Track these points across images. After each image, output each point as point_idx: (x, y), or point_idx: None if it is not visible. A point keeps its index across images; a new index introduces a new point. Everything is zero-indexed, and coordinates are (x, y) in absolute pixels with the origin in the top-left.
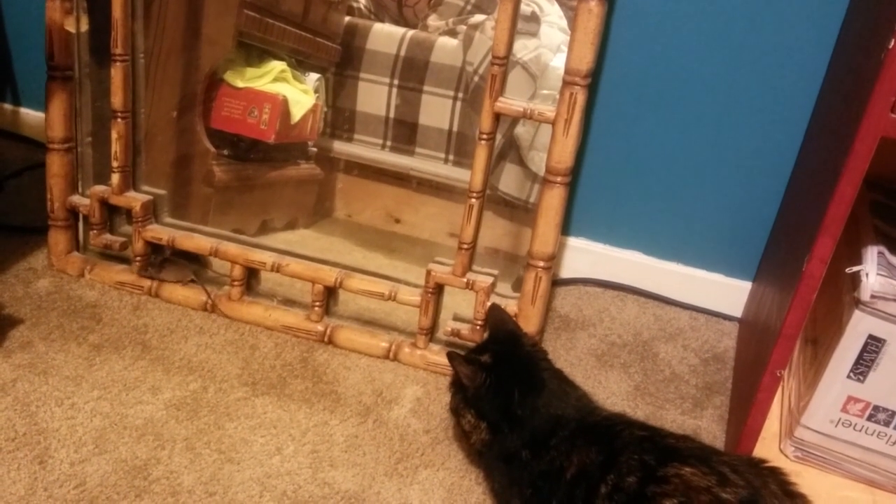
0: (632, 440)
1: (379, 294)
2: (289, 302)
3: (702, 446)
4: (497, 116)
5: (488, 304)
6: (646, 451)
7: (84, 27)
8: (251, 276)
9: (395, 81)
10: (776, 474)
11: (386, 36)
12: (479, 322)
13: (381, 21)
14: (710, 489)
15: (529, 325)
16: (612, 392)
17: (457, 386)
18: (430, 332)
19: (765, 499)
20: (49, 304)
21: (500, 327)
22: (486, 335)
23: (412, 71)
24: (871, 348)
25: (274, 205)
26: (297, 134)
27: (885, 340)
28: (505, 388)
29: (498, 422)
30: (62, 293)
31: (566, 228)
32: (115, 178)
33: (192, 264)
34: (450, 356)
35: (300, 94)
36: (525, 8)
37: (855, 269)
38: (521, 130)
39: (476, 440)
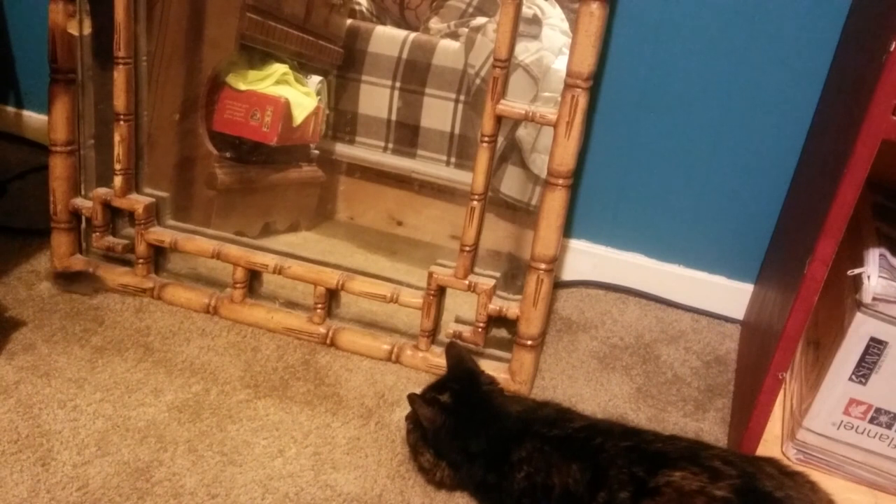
0: (618, 453)
1: (381, 296)
2: (291, 304)
3: (690, 444)
4: (499, 119)
5: (490, 306)
6: (634, 462)
7: (87, 30)
8: (253, 279)
9: (397, 84)
10: (772, 461)
11: (388, 39)
12: (482, 324)
13: (383, 24)
14: (704, 489)
15: (531, 328)
16: (613, 394)
17: (415, 422)
18: (433, 335)
19: (761, 481)
20: (52, 307)
21: (458, 365)
22: (445, 372)
23: (414, 73)
24: (873, 351)
25: (276, 207)
26: (299, 136)
27: (886, 343)
28: (464, 431)
29: (458, 462)
30: (65, 295)
31: (568, 231)
32: (118, 181)
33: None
34: (410, 398)
35: (302, 97)
36: (527, 10)
37: (857, 271)
38: (523, 133)
39: (439, 477)
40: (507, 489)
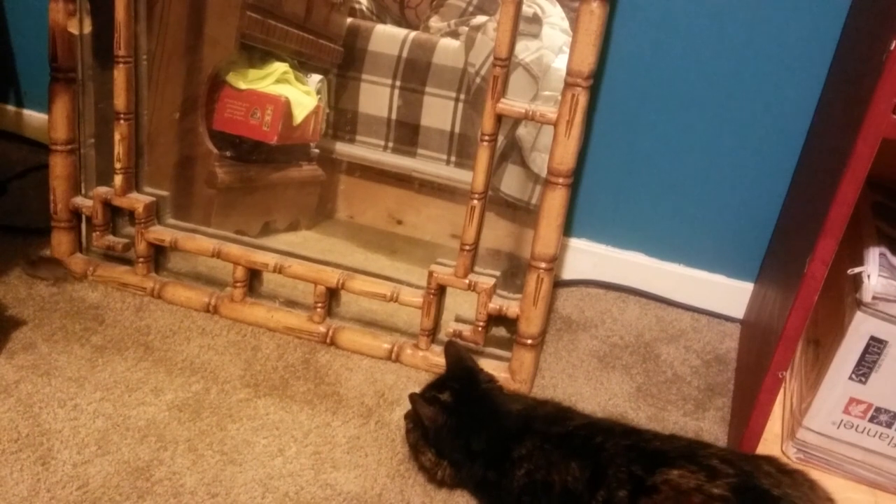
0: (617, 451)
1: (381, 295)
2: (291, 303)
3: (688, 443)
4: (499, 118)
5: (490, 305)
6: (632, 460)
7: (87, 29)
8: (253, 278)
9: (397, 83)
10: (770, 459)
11: (388, 37)
12: (482, 323)
13: (383, 22)
14: (701, 487)
15: (531, 327)
16: (613, 393)
17: (415, 421)
18: (433, 334)
19: (758, 479)
20: (52, 306)
21: (457, 364)
22: (445, 371)
23: (414, 72)
24: (873, 350)
25: (276, 206)
26: (299, 135)
27: (886, 342)
28: (465, 429)
29: (459, 460)
30: (65, 294)
31: (568, 229)
32: (118, 180)
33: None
34: (411, 397)
35: (302, 96)
36: (527, 9)
37: (857, 270)
38: (523, 132)
39: (440, 476)
40: (507, 487)
